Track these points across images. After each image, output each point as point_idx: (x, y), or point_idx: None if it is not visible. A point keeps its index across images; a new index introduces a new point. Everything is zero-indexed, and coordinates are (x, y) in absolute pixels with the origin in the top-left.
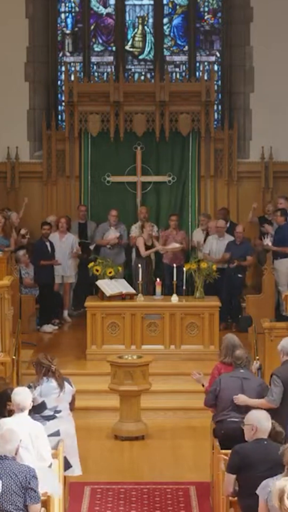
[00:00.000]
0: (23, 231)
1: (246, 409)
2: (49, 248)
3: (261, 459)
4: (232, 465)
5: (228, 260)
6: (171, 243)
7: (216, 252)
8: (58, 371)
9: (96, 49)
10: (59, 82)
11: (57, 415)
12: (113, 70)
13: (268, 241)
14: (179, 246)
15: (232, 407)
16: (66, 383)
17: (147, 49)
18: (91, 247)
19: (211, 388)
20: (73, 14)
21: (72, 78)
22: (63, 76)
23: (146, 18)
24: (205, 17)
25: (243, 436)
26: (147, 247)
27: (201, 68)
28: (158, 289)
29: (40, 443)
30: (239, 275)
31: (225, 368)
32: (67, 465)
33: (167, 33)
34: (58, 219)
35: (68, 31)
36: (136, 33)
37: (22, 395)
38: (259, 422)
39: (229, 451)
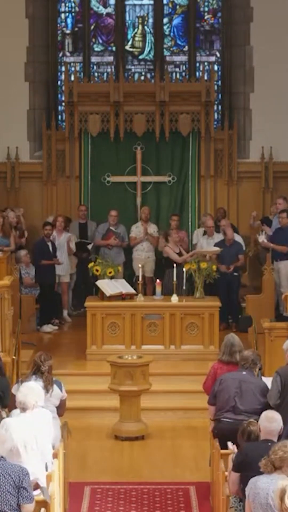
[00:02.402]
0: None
1: (242, 410)
2: (51, 248)
3: (257, 459)
4: (235, 463)
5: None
6: (213, 247)
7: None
8: (48, 373)
9: (96, 49)
10: (59, 82)
11: None
12: (113, 70)
13: (263, 238)
14: (218, 250)
15: (228, 408)
16: (56, 387)
17: (147, 49)
18: (89, 247)
19: (212, 387)
20: (73, 14)
21: (72, 78)
22: (63, 76)
23: (146, 18)
24: (205, 17)
25: (235, 437)
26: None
27: (201, 68)
28: (158, 289)
29: (43, 443)
30: (235, 273)
31: (221, 367)
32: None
33: (167, 33)
34: (55, 218)
35: (68, 31)
36: (136, 33)
37: (24, 394)
38: (261, 422)
39: (228, 451)
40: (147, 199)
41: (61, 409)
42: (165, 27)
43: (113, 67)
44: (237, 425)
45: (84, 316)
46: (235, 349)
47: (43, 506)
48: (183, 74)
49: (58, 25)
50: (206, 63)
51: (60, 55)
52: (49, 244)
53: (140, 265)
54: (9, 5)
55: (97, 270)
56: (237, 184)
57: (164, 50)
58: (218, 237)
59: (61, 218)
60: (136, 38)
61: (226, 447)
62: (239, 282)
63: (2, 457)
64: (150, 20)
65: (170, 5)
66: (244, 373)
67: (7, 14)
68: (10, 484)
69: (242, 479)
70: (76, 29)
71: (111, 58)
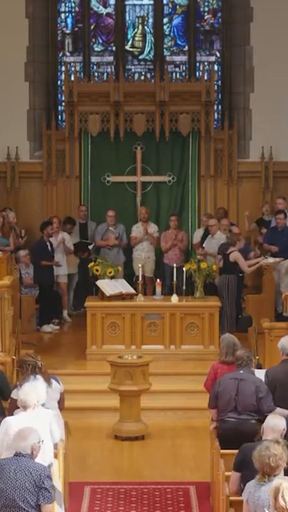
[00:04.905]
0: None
1: (244, 410)
2: (50, 248)
3: None
4: (235, 462)
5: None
6: (271, 257)
7: (208, 249)
8: (44, 367)
9: (96, 49)
10: (59, 82)
11: None
12: (113, 70)
13: (271, 259)
14: (280, 260)
15: (230, 409)
16: (53, 381)
17: (147, 49)
18: (90, 247)
19: (211, 390)
20: (73, 14)
21: (72, 78)
22: (63, 76)
23: (146, 18)
24: (205, 17)
25: (239, 436)
26: None
27: (201, 68)
28: (158, 289)
29: (45, 442)
30: (239, 274)
31: (222, 367)
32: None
33: (167, 33)
34: (50, 218)
35: (68, 31)
36: (136, 33)
37: (26, 393)
38: (266, 423)
39: (228, 451)
40: (147, 199)
41: (61, 403)
42: (165, 27)
43: (113, 67)
44: (240, 424)
45: (84, 316)
46: (237, 348)
47: None
48: (183, 74)
49: (58, 25)
50: (206, 63)
51: (60, 55)
52: (48, 244)
53: (140, 265)
54: (9, 4)
55: (97, 270)
56: (237, 184)
57: (164, 50)
58: (222, 237)
59: (56, 220)
60: (136, 38)
61: (228, 447)
62: (242, 282)
63: (27, 454)
64: (150, 20)
65: (170, 5)
66: (241, 372)
67: (7, 13)
68: (29, 482)
69: (243, 479)
70: (76, 29)
71: (111, 58)
